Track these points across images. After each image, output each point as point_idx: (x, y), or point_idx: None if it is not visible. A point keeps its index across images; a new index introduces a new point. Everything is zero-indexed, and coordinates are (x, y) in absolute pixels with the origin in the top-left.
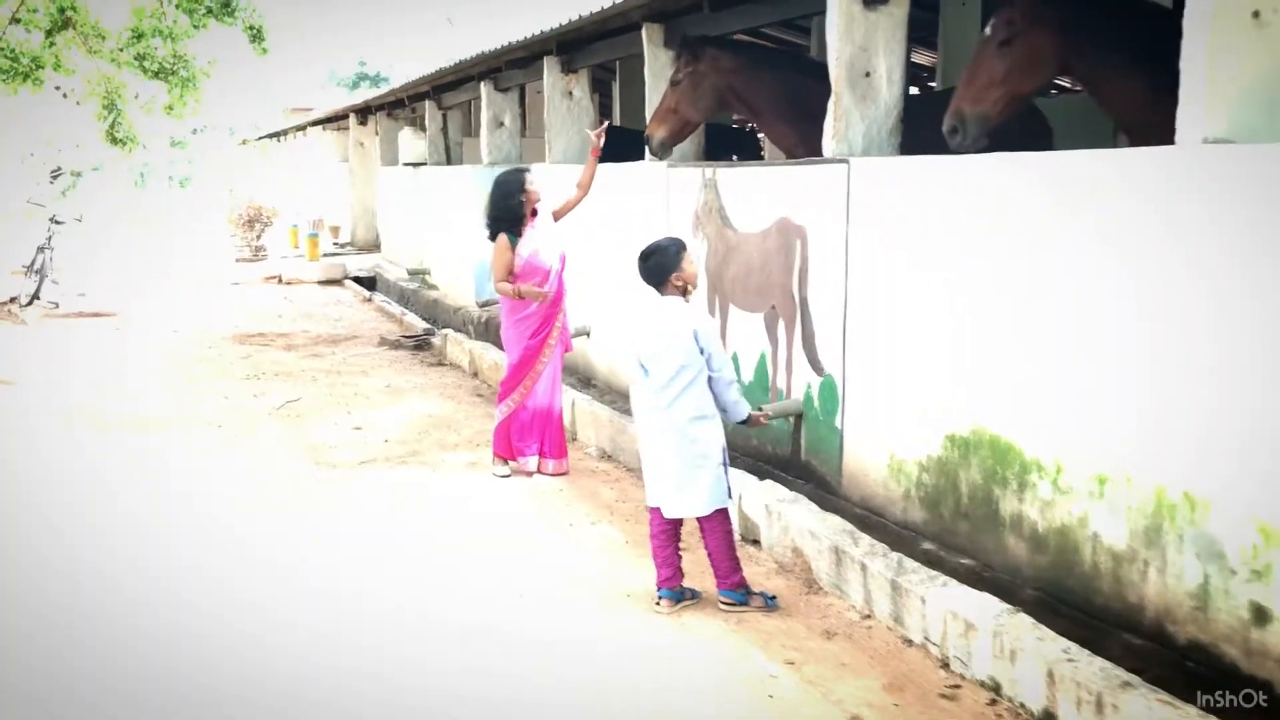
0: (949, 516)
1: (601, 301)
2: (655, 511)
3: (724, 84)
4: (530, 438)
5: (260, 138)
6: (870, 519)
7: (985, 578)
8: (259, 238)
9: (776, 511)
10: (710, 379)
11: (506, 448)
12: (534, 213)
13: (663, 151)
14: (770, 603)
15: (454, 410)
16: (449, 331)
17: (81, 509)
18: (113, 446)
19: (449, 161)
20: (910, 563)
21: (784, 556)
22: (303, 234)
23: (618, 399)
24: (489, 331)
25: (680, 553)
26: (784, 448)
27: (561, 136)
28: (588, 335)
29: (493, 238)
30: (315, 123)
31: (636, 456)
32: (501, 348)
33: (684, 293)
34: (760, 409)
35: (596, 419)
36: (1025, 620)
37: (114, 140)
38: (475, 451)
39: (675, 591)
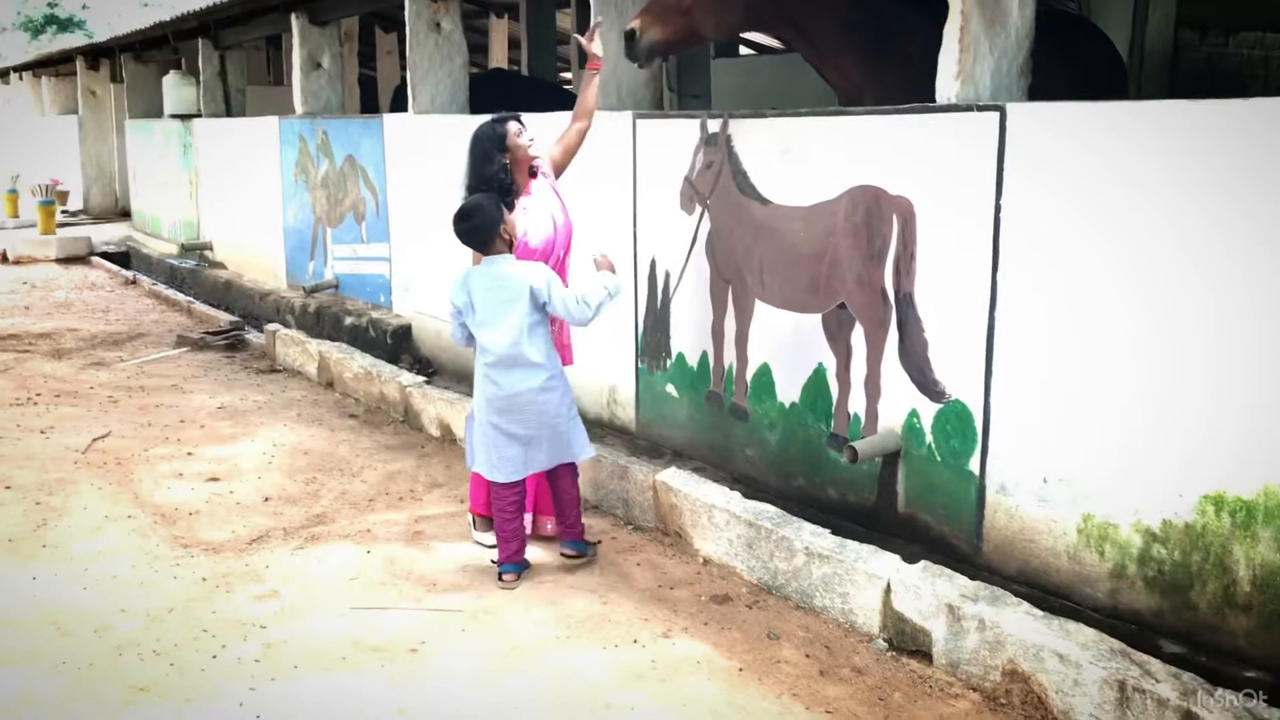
0: (1209, 608)
1: None
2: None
3: None
4: None
5: None
6: (1047, 600)
7: None
8: None
9: (972, 616)
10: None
11: (486, 502)
12: (533, 173)
13: (645, 59)
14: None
15: (332, 442)
16: (278, 328)
17: None
18: None
19: (229, 113)
20: (1264, 708)
21: (987, 682)
22: (25, 201)
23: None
24: (321, 323)
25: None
26: (864, 494)
27: (428, 80)
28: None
29: None
30: (21, 68)
31: (637, 507)
32: (364, 348)
33: (510, 245)
34: (850, 448)
35: None
36: None
37: None
38: (402, 507)
39: (521, 565)
